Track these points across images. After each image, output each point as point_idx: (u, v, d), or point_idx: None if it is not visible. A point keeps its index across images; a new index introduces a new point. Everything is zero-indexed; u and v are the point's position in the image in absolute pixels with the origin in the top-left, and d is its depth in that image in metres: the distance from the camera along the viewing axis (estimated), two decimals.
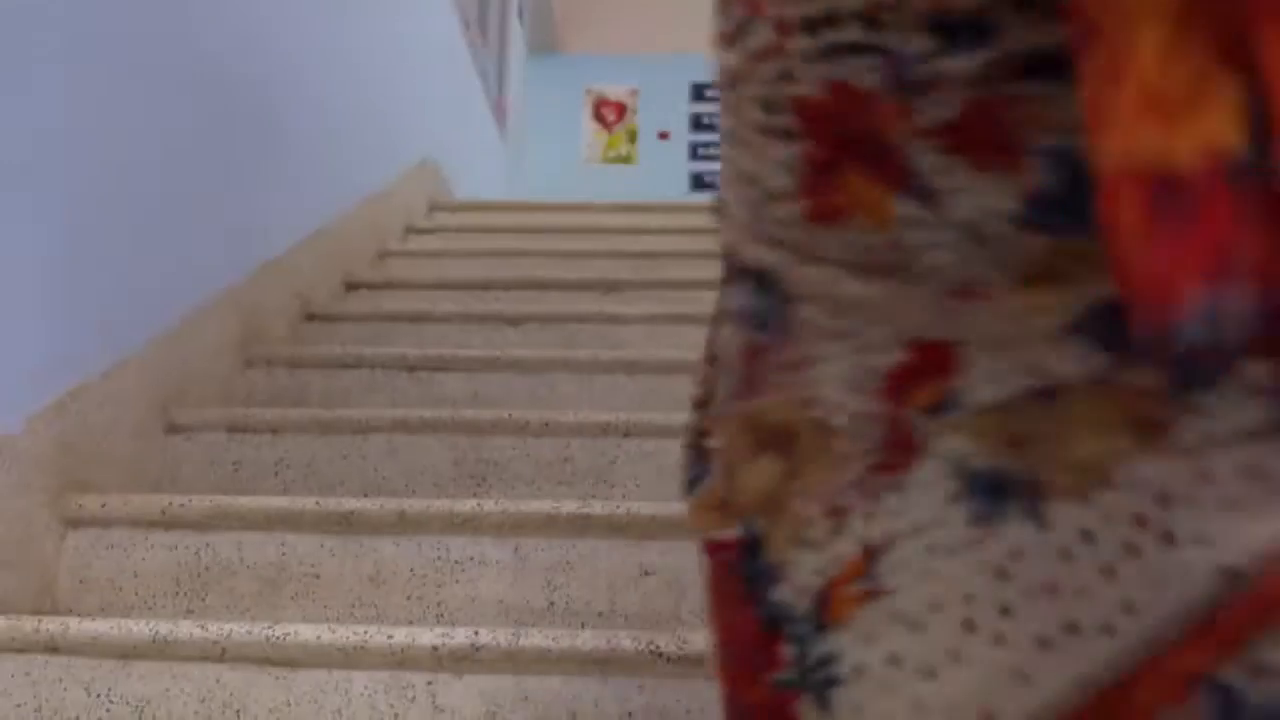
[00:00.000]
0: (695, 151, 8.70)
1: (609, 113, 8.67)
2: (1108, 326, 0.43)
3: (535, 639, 1.39)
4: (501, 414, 1.96)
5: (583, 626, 1.60)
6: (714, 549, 0.53)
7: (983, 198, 0.47)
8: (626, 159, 8.65)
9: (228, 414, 1.99)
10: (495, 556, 1.64)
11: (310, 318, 2.70)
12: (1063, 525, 0.44)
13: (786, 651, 0.48)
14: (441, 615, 1.63)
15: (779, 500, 0.49)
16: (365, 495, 1.92)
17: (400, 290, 3.03)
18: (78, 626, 1.42)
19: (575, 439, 1.95)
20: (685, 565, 1.61)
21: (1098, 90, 0.39)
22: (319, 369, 2.33)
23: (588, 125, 8.59)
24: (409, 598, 1.64)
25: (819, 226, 0.51)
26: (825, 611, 0.48)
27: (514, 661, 1.38)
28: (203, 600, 1.65)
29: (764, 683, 0.49)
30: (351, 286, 3.03)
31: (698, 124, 8.74)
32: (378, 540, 1.65)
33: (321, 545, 1.65)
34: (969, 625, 0.45)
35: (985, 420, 0.46)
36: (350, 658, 1.39)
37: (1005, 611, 0.45)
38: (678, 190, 8.33)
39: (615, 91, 8.63)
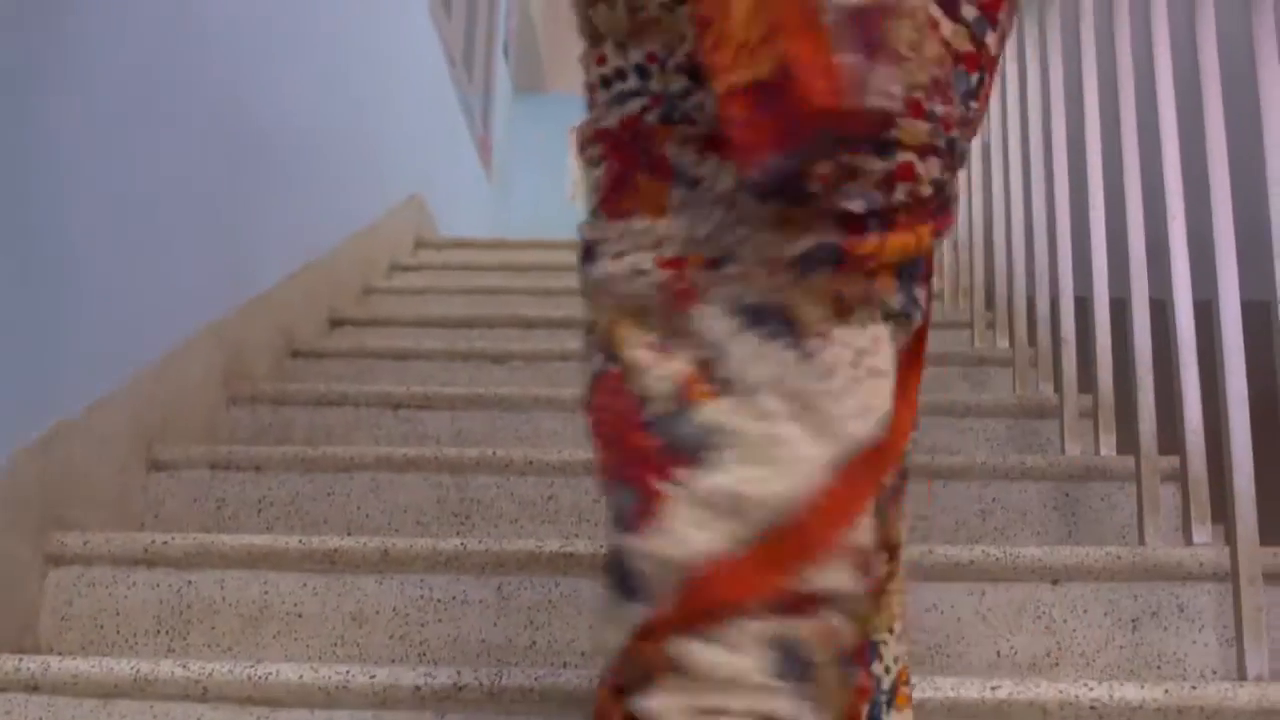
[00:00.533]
0: None
1: None
2: (817, 260, 0.73)
3: (518, 678, 1.39)
4: (486, 452, 1.97)
5: (565, 666, 1.60)
6: (603, 378, 0.79)
7: (730, 178, 0.74)
8: None
9: (211, 451, 1.99)
10: (478, 595, 1.64)
11: (295, 354, 2.70)
12: (817, 352, 0.73)
13: (654, 432, 0.74)
14: (424, 654, 1.63)
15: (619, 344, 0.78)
16: (348, 533, 1.92)
17: (385, 327, 3.03)
18: (59, 665, 1.42)
19: (559, 477, 1.95)
20: None
21: (711, 46, 0.70)
22: (303, 406, 2.33)
23: (572, 164, 8.61)
24: (392, 637, 1.64)
25: (618, 222, 0.79)
26: (685, 398, 0.74)
27: (497, 701, 1.38)
28: (185, 639, 1.64)
29: (646, 444, 0.75)
30: (336, 323, 3.03)
31: None
32: (361, 579, 1.65)
33: (304, 584, 1.65)
34: (783, 404, 0.72)
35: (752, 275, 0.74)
36: (333, 697, 1.39)
37: (797, 396, 0.72)
38: None
39: None
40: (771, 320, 0.74)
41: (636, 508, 0.74)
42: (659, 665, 0.71)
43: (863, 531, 0.74)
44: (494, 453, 1.96)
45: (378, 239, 3.57)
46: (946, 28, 0.79)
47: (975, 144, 2.79)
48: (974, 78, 0.82)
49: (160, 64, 2.01)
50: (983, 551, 1.63)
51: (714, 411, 0.73)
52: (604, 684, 0.77)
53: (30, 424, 1.60)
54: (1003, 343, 2.58)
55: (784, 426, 0.72)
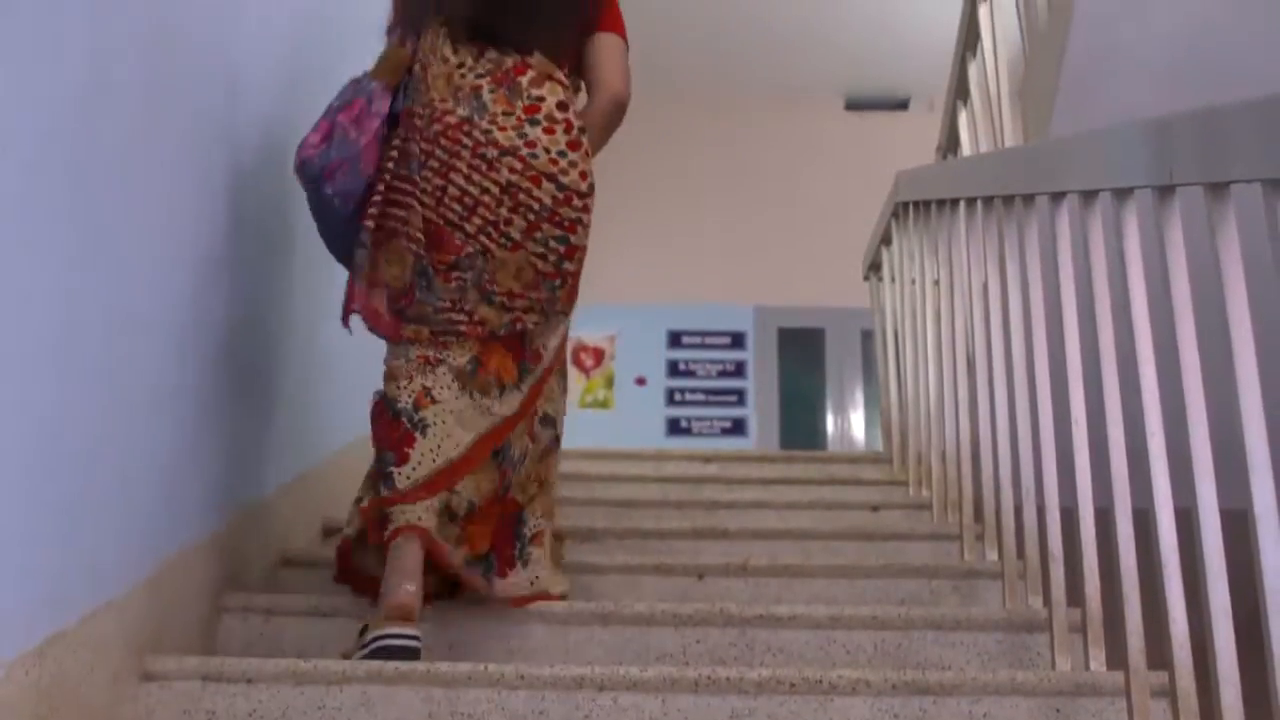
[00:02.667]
0: (672, 397, 8.83)
1: (587, 358, 8.82)
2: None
3: None
4: (477, 666, 1.97)
5: None
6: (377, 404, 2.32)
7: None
8: (604, 404, 8.76)
9: (203, 662, 1.99)
10: None
11: (288, 563, 2.71)
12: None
13: (404, 423, 2.25)
14: None
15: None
16: None
17: None
18: None
19: (550, 691, 1.95)
20: None
21: None
22: (295, 616, 2.33)
23: None
24: None
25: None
26: (417, 405, 2.25)
27: None
28: None
29: (397, 429, 2.25)
30: (330, 532, 3.04)
31: (674, 370, 8.89)
32: None
33: None
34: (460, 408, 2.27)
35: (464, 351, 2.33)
36: None
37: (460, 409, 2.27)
38: (654, 434, 8.43)
39: (593, 338, 8.80)
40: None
41: (396, 457, 2.23)
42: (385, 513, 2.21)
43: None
44: (485, 667, 1.97)
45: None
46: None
47: (960, 361, 2.86)
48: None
49: (167, 278, 2.08)
50: None
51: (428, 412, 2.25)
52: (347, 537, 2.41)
53: (30, 634, 1.61)
54: (992, 555, 2.60)
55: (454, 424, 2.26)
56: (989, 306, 2.54)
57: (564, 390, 2.54)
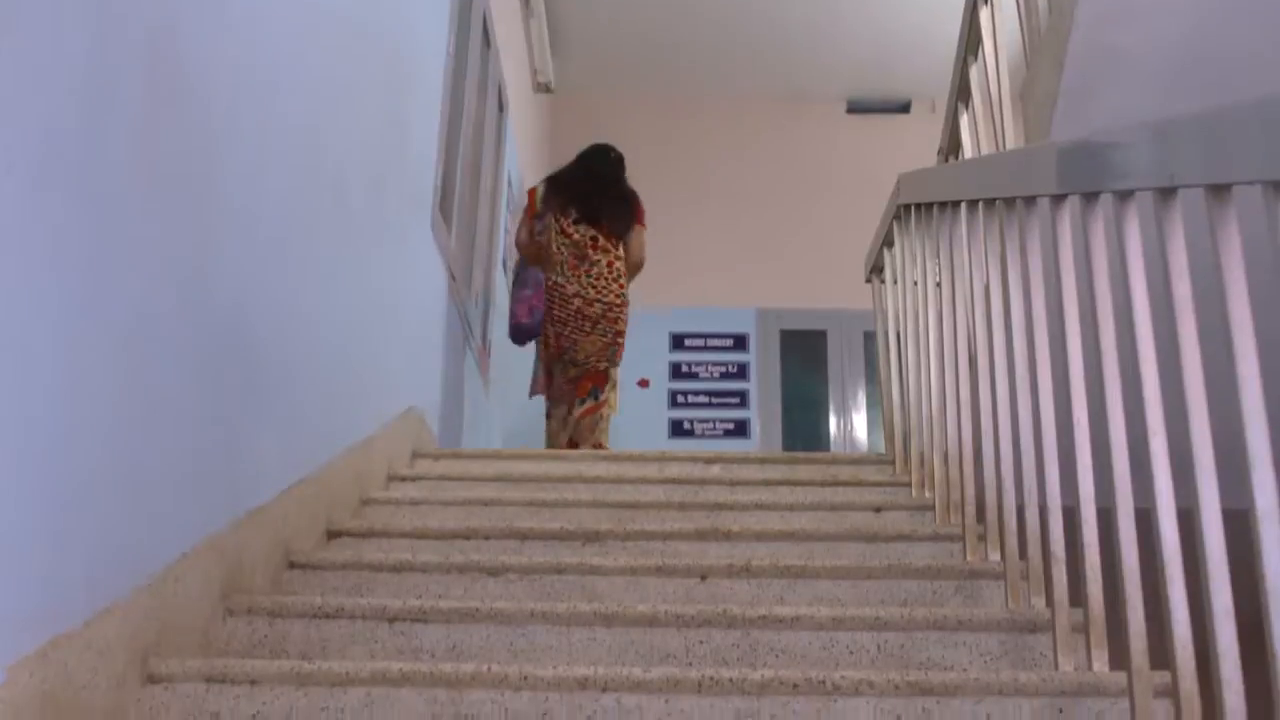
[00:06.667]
0: (675, 399, 8.84)
1: None
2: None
3: None
4: (480, 667, 1.97)
5: None
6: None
7: None
8: None
9: (207, 664, 2.00)
10: None
11: (291, 565, 2.71)
12: None
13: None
14: None
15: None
16: None
17: (381, 538, 3.05)
18: None
19: (553, 692, 1.95)
20: None
21: None
22: (299, 618, 2.34)
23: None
24: None
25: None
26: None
27: None
28: None
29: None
30: (334, 534, 3.05)
31: (677, 372, 8.90)
32: None
33: None
34: None
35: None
36: None
37: None
38: (657, 436, 8.43)
39: None
40: None
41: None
42: None
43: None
44: (489, 668, 1.97)
45: (375, 451, 3.62)
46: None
47: (963, 363, 2.87)
48: None
49: (165, 285, 2.08)
50: None
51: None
52: None
53: (33, 636, 1.62)
54: (994, 555, 2.60)
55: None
56: (991, 308, 2.54)
57: (614, 387, 5.48)
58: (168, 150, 2.04)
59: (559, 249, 5.29)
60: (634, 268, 5.41)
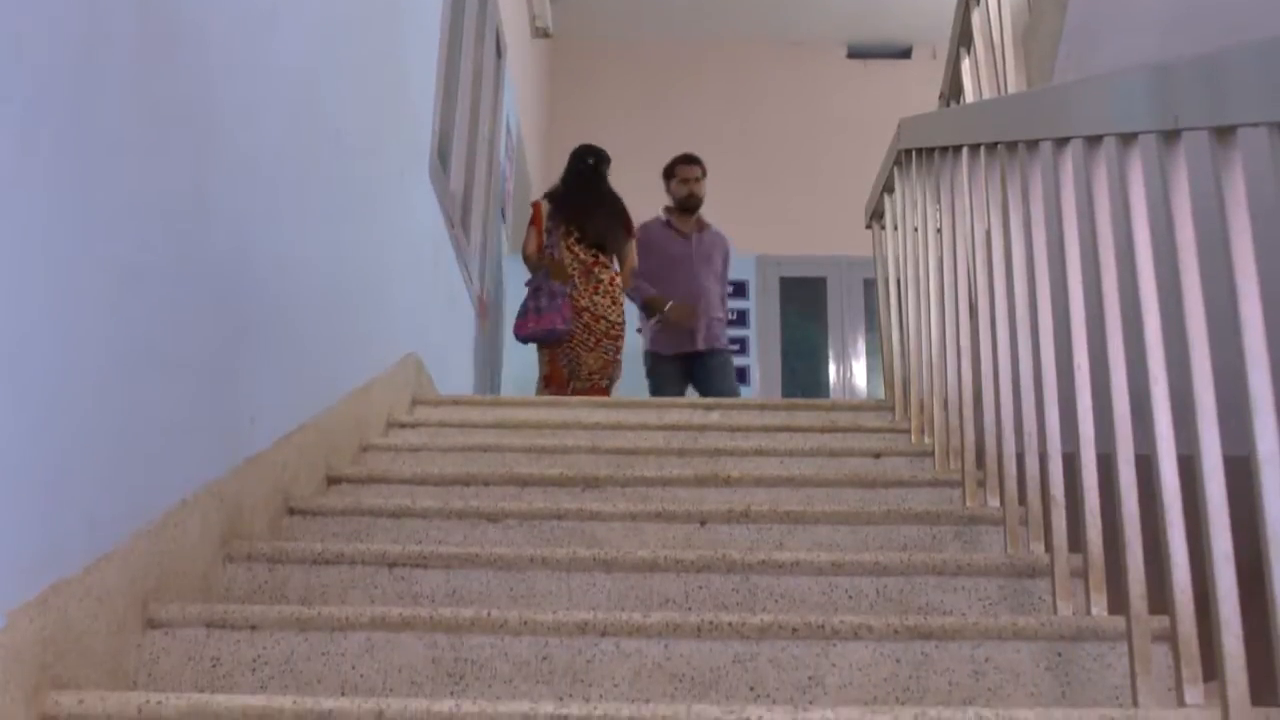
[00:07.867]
0: None
1: None
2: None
3: None
4: (480, 612, 1.97)
5: None
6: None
7: None
8: None
9: (207, 609, 2.00)
10: None
11: (291, 512, 2.72)
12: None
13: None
14: None
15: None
16: (343, 693, 1.92)
17: (381, 485, 3.05)
18: None
19: (553, 637, 1.96)
20: None
21: None
22: (299, 564, 2.34)
23: None
24: None
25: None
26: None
27: None
28: None
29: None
30: (333, 480, 3.05)
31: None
32: None
33: None
34: None
35: None
36: None
37: None
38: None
39: None
40: None
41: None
42: None
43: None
44: (489, 613, 1.97)
45: (375, 397, 3.62)
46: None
47: (963, 309, 2.86)
48: None
49: (163, 228, 2.07)
50: (976, 713, 1.63)
51: None
52: None
53: (31, 582, 1.62)
54: (993, 501, 2.60)
55: None
56: (992, 253, 2.53)
57: (617, 363, 6.04)
58: (162, 90, 2.02)
59: (570, 265, 5.91)
60: (627, 277, 6.06)
